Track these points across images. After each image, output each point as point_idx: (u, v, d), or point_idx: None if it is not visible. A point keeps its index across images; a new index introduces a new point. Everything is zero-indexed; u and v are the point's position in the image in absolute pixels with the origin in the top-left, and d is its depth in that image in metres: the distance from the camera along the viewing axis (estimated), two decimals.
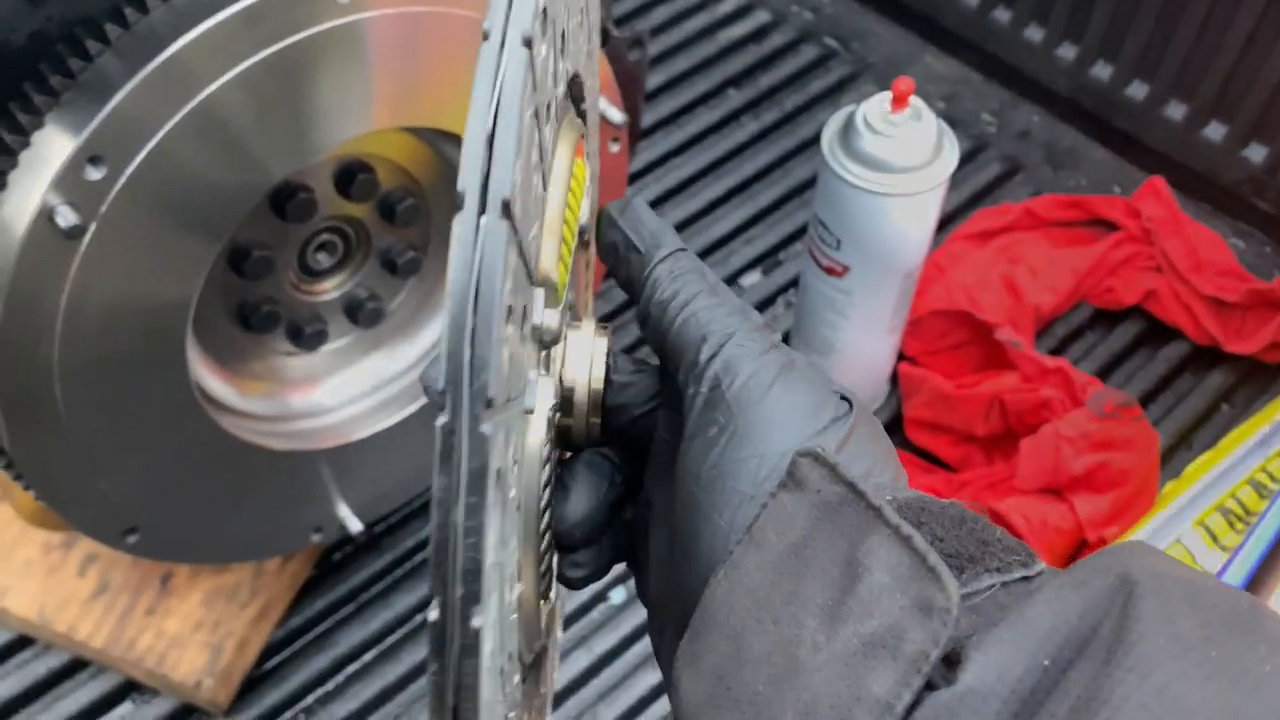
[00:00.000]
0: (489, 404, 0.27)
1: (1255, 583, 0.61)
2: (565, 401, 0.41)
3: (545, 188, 0.36)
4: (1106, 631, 0.28)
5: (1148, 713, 0.26)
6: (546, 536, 0.39)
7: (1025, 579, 0.31)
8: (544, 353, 0.39)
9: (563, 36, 0.36)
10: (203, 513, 0.68)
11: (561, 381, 0.41)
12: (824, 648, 0.29)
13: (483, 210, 0.27)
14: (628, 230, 0.41)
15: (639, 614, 0.87)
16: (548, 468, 0.38)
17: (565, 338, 0.41)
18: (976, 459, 0.92)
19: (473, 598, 0.27)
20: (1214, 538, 0.78)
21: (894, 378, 0.97)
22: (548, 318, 0.35)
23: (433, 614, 0.27)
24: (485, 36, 0.29)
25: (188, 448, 0.64)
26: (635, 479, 0.42)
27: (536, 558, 0.38)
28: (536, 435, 0.36)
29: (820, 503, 0.32)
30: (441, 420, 0.26)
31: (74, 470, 0.60)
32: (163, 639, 0.80)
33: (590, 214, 0.46)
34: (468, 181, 0.27)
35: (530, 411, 0.34)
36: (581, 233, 0.43)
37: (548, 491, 0.38)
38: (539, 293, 0.35)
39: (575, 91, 0.43)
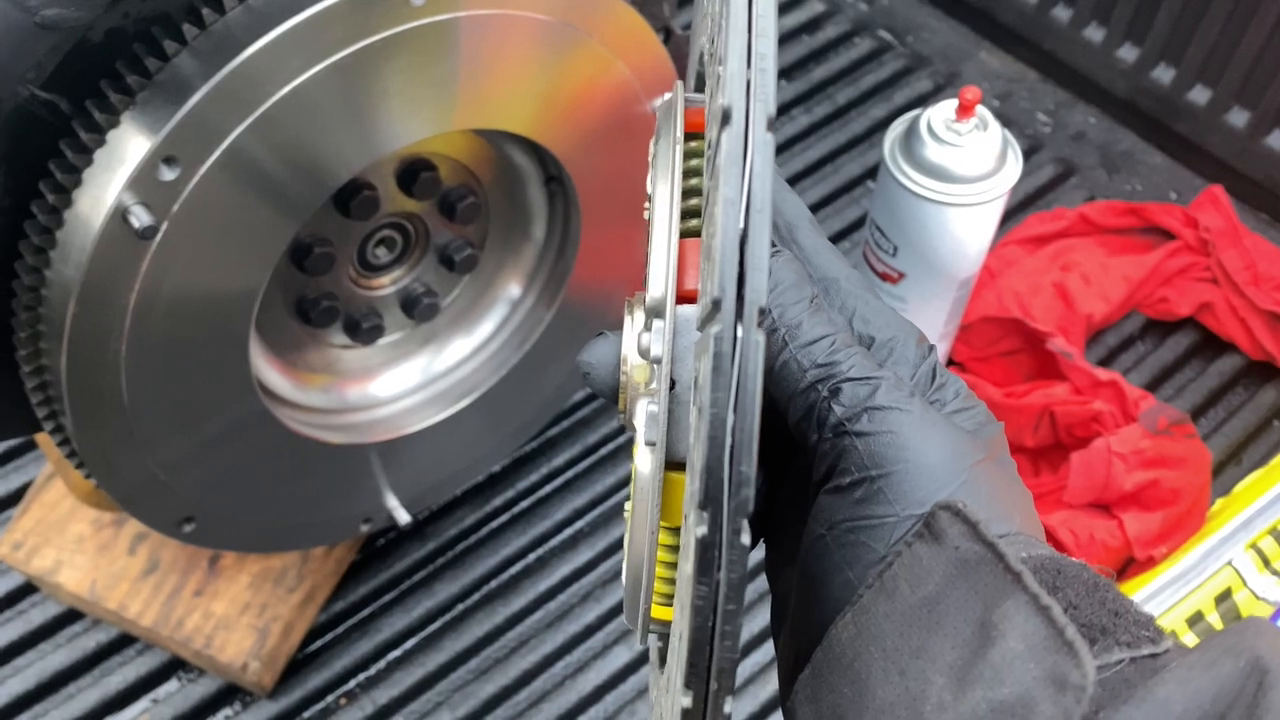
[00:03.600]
0: (748, 514, 0.27)
1: None
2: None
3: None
4: (1237, 716, 0.27)
5: None
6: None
7: (1153, 655, 0.30)
8: None
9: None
10: (256, 503, 0.69)
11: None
12: (950, 708, 0.29)
13: (739, 317, 0.26)
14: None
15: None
16: None
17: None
18: (1024, 470, 0.91)
19: (727, 689, 0.28)
20: (1266, 562, 0.78)
21: None
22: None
23: (685, 701, 0.28)
24: (726, 119, 0.27)
25: (245, 440, 0.65)
26: (776, 463, 0.40)
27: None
28: None
29: (958, 559, 0.31)
30: (700, 532, 0.26)
31: (135, 461, 0.60)
32: (210, 620, 0.81)
33: None
34: (725, 289, 0.26)
35: None
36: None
37: None
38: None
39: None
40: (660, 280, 0.33)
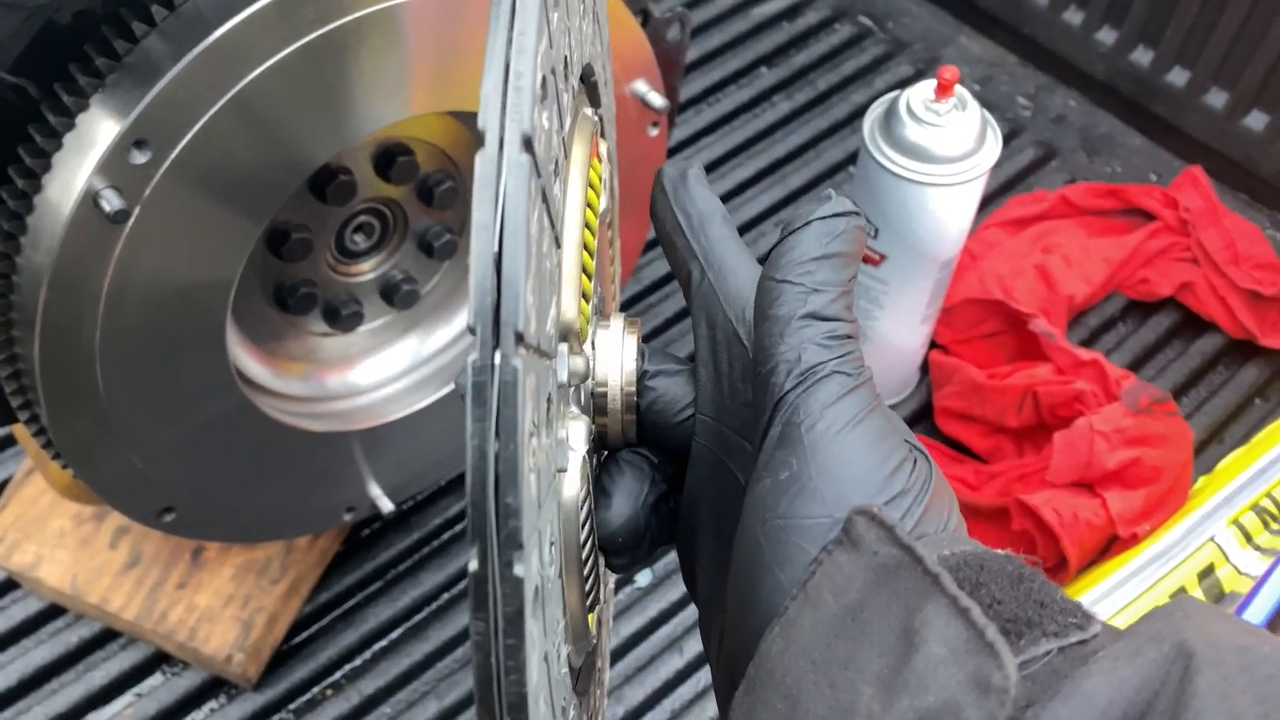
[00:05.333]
0: (519, 546, 0.26)
1: None
2: (599, 404, 0.41)
3: (559, 244, 0.34)
4: (1164, 705, 0.27)
5: None
6: (589, 545, 0.39)
7: (1082, 642, 0.31)
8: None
9: (565, 63, 0.35)
10: (237, 492, 0.69)
11: (593, 381, 0.40)
12: (880, 718, 0.29)
13: (496, 345, 0.26)
14: (677, 210, 0.39)
15: (664, 597, 0.87)
16: (585, 483, 0.37)
17: (594, 339, 0.40)
18: (1007, 450, 0.91)
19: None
20: (1248, 537, 0.78)
21: (925, 366, 0.97)
22: (574, 365, 0.34)
23: (473, 564, 0.26)
24: (481, 141, 0.27)
25: (224, 428, 0.64)
26: (676, 474, 0.41)
27: (580, 579, 0.38)
28: (572, 487, 0.36)
29: (877, 565, 0.31)
30: (472, 567, 0.26)
31: (112, 450, 0.60)
32: (194, 613, 0.81)
33: (613, 200, 0.45)
34: (479, 316, 0.26)
35: (563, 470, 0.34)
36: (605, 218, 0.42)
37: (587, 503, 0.38)
38: (562, 350, 0.34)
39: (589, 84, 0.41)
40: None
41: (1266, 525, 0.78)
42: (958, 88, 0.76)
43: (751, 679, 0.33)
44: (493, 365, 0.25)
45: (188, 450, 0.63)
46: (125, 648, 0.84)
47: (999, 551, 0.33)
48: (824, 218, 0.37)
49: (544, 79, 0.30)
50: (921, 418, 0.97)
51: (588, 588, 0.39)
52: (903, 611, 0.30)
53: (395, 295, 0.72)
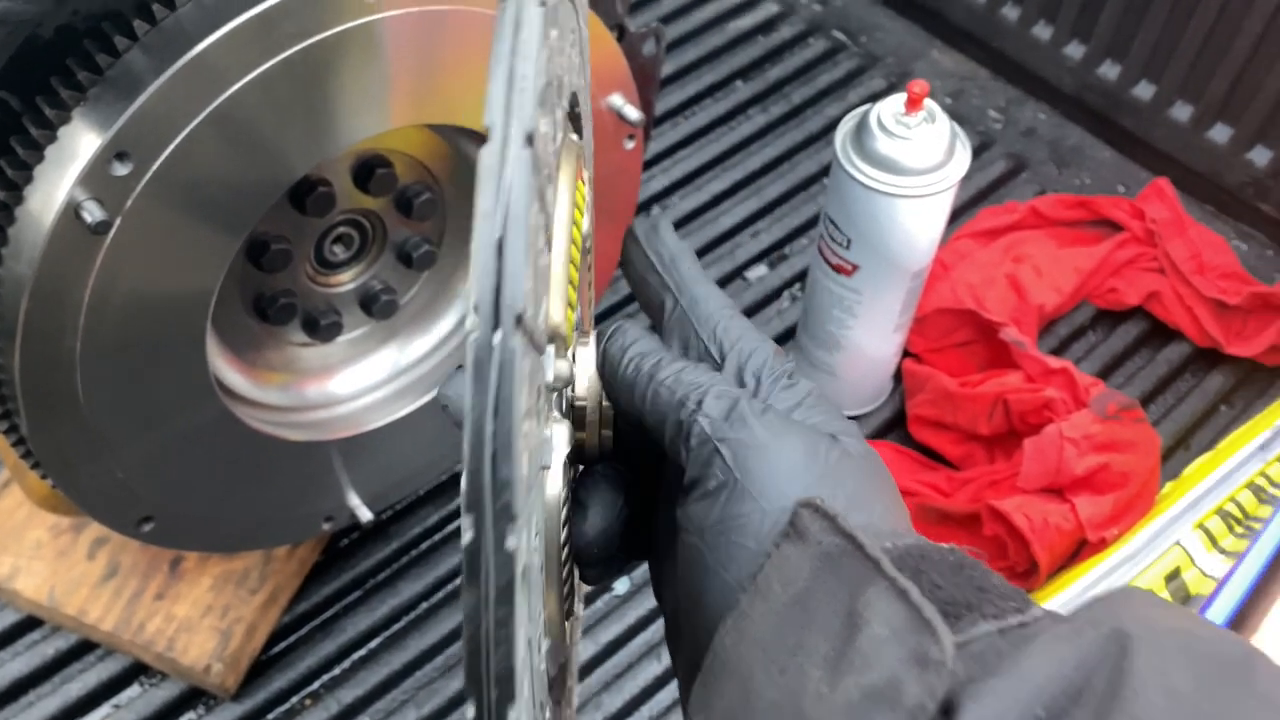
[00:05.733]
0: (513, 519, 0.27)
1: (1258, 591, 0.62)
2: (577, 418, 0.42)
3: (550, 246, 0.36)
4: (1101, 684, 0.29)
5: None
6: (566, 551, 0.40)
7: (1022, 625, 0.32)
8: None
9: (559, 81, 0.37)
10: (217, 502, 0.69)
11: (573, 397, 0.42)
12: (827, 698, 0.30)
13: (496, 325, 0.27)
14: (650, 252, 0.43)
15: (643, 605, 0.88)
16: (565, 488, 0.39)
17: (574, 354, 0.42)
18: (979, 457, 0.93)
19: (507, 697, 0.28)
20: (1213, 540, 0.80)
21: (898, 375, 0.98)
22: (559, 368, 0.36)
23: (470, 713, 0.28)
24: (487, 134, 0.29)
25: (204, 438, 0.65)
26: (652, 485, 0.43)
27: (559, 581, 0.39)
28: (555, 485, 0.37)
29: (822, 554, 0.33)
30: (466, 538, 0.27)
31: (92, 460, 0.60)
32: (172, 623, 0.81)
33: (591, 227, 0.47)
34: (481, 297, 0.27)
35: (547, 467, 0.35)
36: (584, 243, 0.43)
37: (565, 509, 0.39)
38: (550, 350, 0.36)
39: (573, 114, 0.43)
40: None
41: (1231, 529, 0.80)
42: (927, 101, 0.77)
43: (707, 671, 0.34)
44: (492, 343, 0.27)
45: (167, 459, 0.64)
46: (103, 659, 0.84)
47: (942, 545, 0.34)
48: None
49: (544, 85, 0.32)
50: (895, 425, 0.98)
51: (565, 590, 0.40)
52: (847, 596, 0.32)
53: (374, 305, 0.73)
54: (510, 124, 0.28)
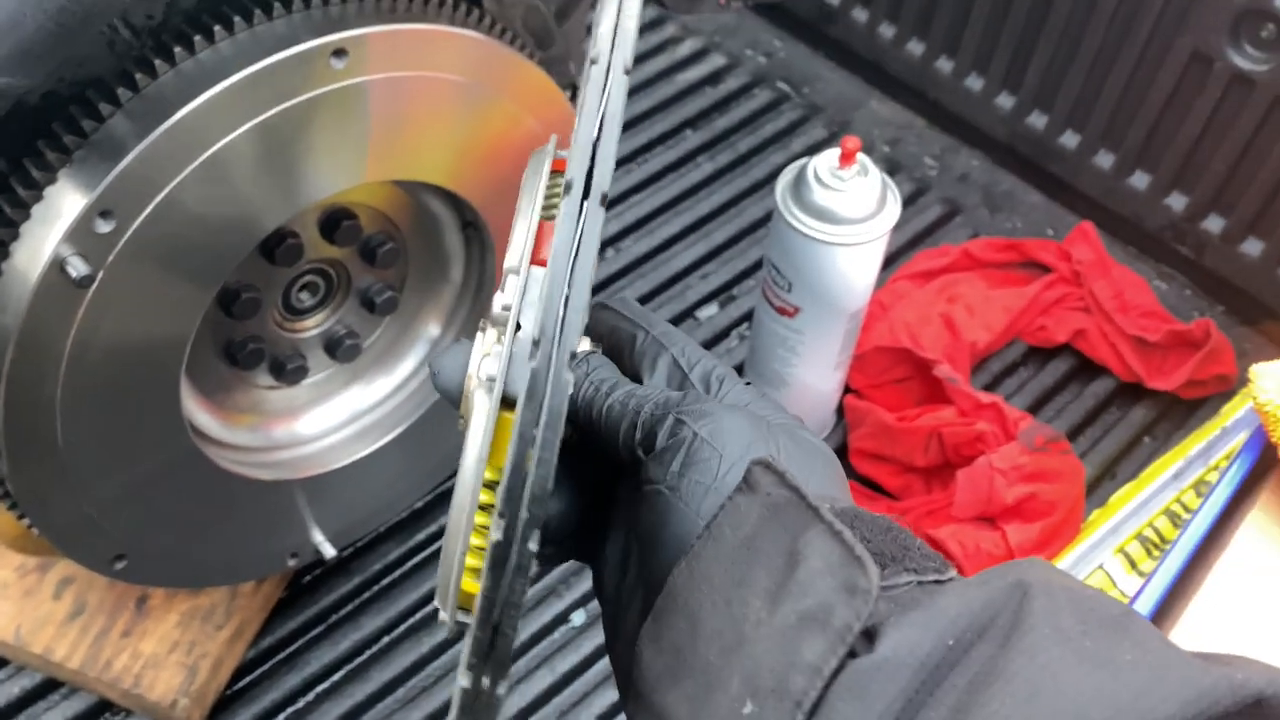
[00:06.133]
0: (573, 356, 0.33)
1: (1165, 606, 0.67)
2: None
3: None
4: (1004, 620, 0.34)
5: (1032, 686, 0.32)
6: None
7: (938, 582, 0.37)
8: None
9: None
10: (187, 539, 0.72)
11: None
12: (766, 623, 0.35)
13: (586, 196, 0.34)
14: (617, 306, 0.49)
15: (598, 636, 0.92)
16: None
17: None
18: (917, 488, 0.98)
19: (535, 522, 0.31)
20: (1133, 564, 0.85)
21: (840, 409, 1.03)
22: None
23: (497, 534, 0.31)
24: (593, 62, 0.36)
25: (177, 479, 0.68)
26: (606, 484, 0.48)
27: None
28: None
29: (770, 503, 0.37)
30: (532, 365, 0.32)
31: (70, 501, 0.63)
32: (139, 660, 0.83)
33: None
34: (575, 174, 0.34)
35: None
36: None
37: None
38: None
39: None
40: (518, 250, 0.42)
41: (1149, 552, 0.85)
42: (859, 155, 0.83)
43: (659, 609, 0.38)
44: (581, 210, 0.33)
45: (140, 499, 0.67)
46: (67, 697, 0.86)
47: (877, 514, 0.39)
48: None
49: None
50: (839, 458, 1.03)
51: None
52: (789, 538, 0.36)
53: (338, 349, 0.76)
54: (614, 55, 0.36)
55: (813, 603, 0.34)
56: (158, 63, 0.56)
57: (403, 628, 0.91)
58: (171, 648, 0.83)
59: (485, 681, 0.31)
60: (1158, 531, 0.87)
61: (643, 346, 0.47)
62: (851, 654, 0.34)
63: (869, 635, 0.34)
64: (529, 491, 0.32)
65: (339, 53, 0.58)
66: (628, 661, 0.40)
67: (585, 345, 0.48)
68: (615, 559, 0.45)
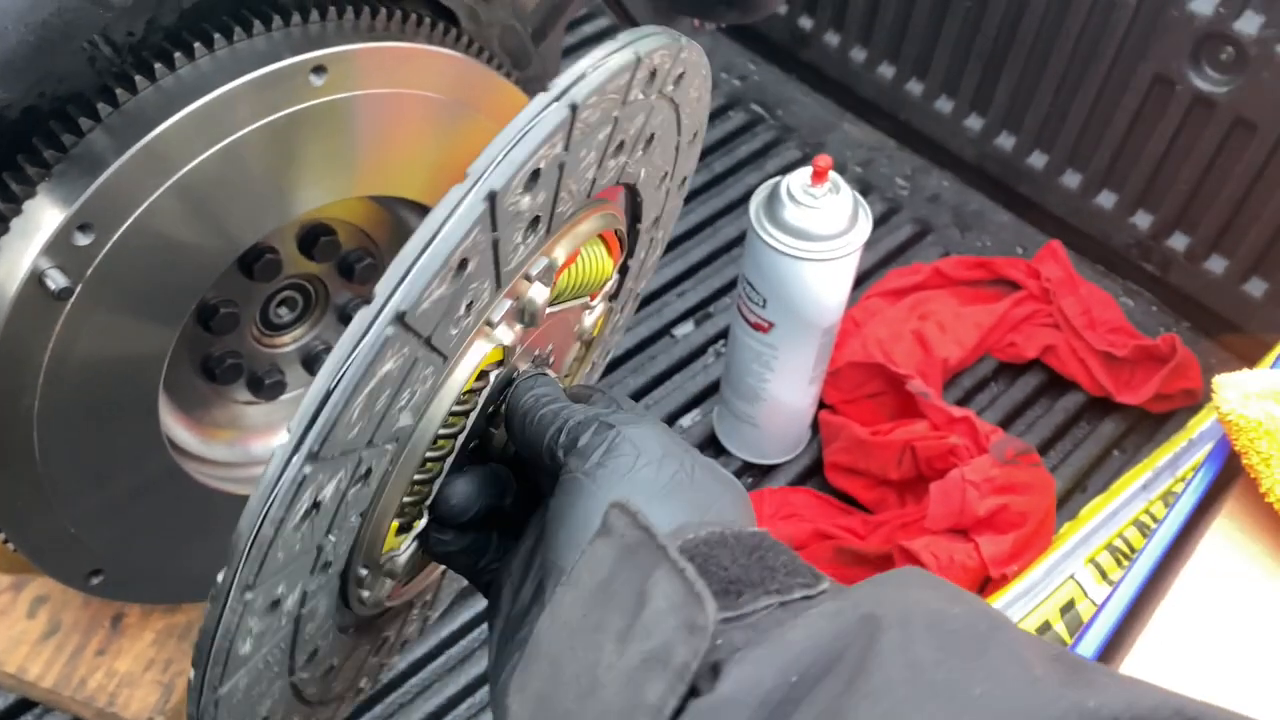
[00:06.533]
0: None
1: (1133, 611, 0.68)
2: (497, 415, 0.51)
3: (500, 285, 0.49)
4: (852, 656, 0.33)
5: None
6: (427, 484, 0.50)
7: (806, 598, 0.37)
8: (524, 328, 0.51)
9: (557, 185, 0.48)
10: (164, 555, 0.71)
11: (503, 402, 0.52)
12: (615, 665, 0.35)
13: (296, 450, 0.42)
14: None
15: None
16: (460, 439, 0.49)
17: (524, 372, 0.52)
18: (890, 501, 0.99)
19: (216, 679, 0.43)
20: (1103, 574, 0.86)
21: (815, 424, 1.04)
22: (536, 293, 0.50)
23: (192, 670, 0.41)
24: (368, 302, 0.42)
25: (154, 494, 0.68)
26: (520, 517, 0.51)
27: (408, 487, 0.49)
28: (462, 376, 0.48)
29: (624, 545, 0.38)
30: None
31: (46, 516, 0.63)
32: (114, 679, 0.82)
33: (608, 312, 0.61)
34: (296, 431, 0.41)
35: (491, 325, 0.49)
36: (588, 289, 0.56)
37: (448, 462, 0.49)
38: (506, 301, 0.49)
39: (634, 206, 0.58)
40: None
41: (1119, 562, 0.87)
42: (831, 174, 0.84)
43: (525, 657, 0.39)
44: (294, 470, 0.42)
45: (118, 514, 0.66)
46: (40, 718, 0.85)
47: (755, 530, 0.40)
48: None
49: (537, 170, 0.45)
50: (814, 472, 1.04)
51: (409, 499, 0.50)
52: (640, 579, 0.37)
53: (316, 364, 0.76)
54: (388, 303, 0.42)
55: (656, 643, 0.35)
56: (138, 78, 0.56)
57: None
58: (147, 666, 0.83)
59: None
60: (1127, 542, 0.88)
61: (591, 402, 0.51)
62: (695, 692, 0.34)
63: (716, 670, 0.34)
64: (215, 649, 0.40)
65: (318, 69, 0.59)
66: (500, 713, 0.42)
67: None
68: (507, 600, 0.48)
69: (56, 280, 0.54)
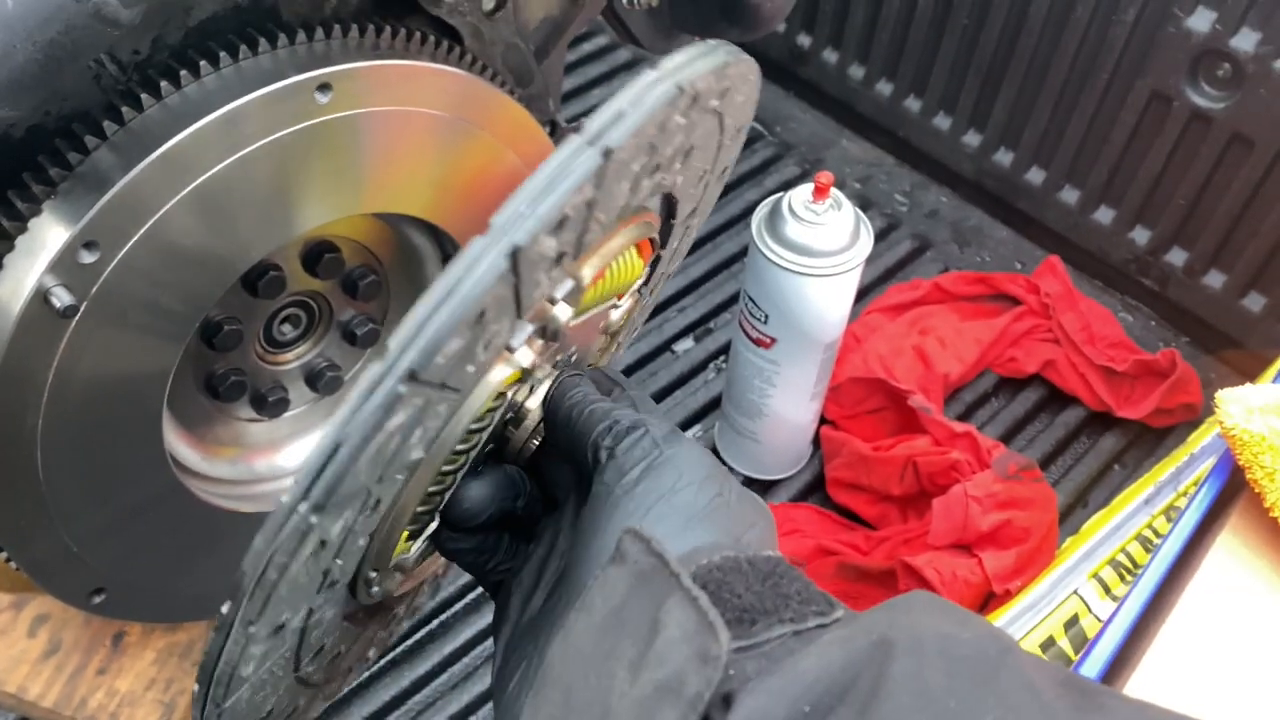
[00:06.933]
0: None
1: (1139, 628, 0.68)
2: (517, 419, 0.51)
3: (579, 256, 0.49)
4: (864, 684, 0.33)
5: None
6: (441, 493, 0.50)
7: (820, 626, 0.37)
8: (547, 345, 0.51)
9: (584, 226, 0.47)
10: (167, 573, 0.71)
11: (520, 405, 0.51)
12: (628, 694, 0.35)
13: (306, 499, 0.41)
14: (606, 371, 0.54)
15: None
16: (479, 440, 0.49)
17: (534, 383, 0.52)
18: (893, 517, 0.99)
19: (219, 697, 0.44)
20: (1106, 589, 0.86)
21: (817, 440, 1.04)
22: (560, 312, 0.48)
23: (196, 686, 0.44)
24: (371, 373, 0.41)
25: (158, 511, 0.67)
26: (533, 519, 0.51)
27: (421, 500, 0.49)
28: (478, 402, 0.48)
29: (637, 572, 0.38)
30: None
31: (49, 534, 0.62)
32: (114, 698, 0.82)
33: (636, 301, 0.60)
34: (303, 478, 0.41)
35: (511, 350, 0.48)
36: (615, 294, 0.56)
37: (465, 462, 0.49)
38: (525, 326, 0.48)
39: (669, 206, 0.57)
40: None
41: (1122, 577, 0.87)
42: (833, 190, 0.84)
43: (537, 683, 0.39)
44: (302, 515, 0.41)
45: (120, 532, 0.66)
46: None
47: (770, 555, 0.40)
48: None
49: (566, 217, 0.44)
50: (816, 488, 1.04)
51: (423, 508, 0.50)
52: (653, 607, 0.37)
53: (319, 382, 0.76)
54: (388, 374, 0.41)
55: (668, 672, 0.35)
56: (144, 96, 0.56)
57: (382, 662, 0.91)
58: (148, 685, 0.82)
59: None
60: (1130, 557, 0.88)
61: (616, 399, 0.51)
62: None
63: (728, 701, 0.34)
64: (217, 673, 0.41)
65: (324, 87, 0.59)
66: None
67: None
68: (516, 610, 0.48)
69: (61, 298, 0.54)
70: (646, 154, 0.49)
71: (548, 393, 0.51)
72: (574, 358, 0.56)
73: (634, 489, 0.42)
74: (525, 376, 0.51)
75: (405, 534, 0.51)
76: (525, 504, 0.51)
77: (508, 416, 0.51)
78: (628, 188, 0.50)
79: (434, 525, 0.52)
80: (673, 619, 0.36)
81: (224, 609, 0.43)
